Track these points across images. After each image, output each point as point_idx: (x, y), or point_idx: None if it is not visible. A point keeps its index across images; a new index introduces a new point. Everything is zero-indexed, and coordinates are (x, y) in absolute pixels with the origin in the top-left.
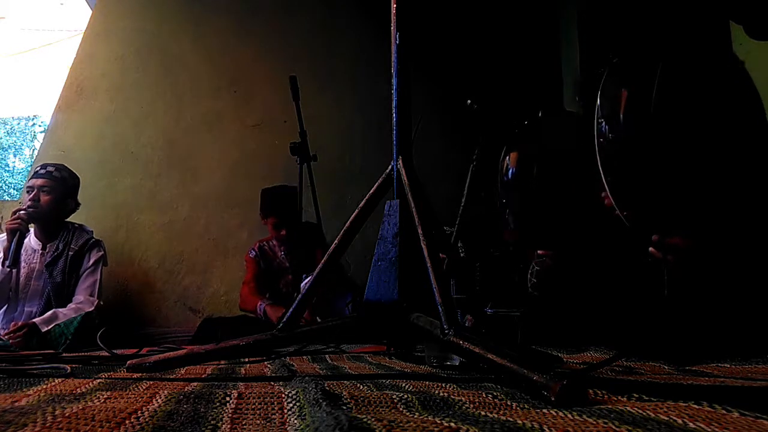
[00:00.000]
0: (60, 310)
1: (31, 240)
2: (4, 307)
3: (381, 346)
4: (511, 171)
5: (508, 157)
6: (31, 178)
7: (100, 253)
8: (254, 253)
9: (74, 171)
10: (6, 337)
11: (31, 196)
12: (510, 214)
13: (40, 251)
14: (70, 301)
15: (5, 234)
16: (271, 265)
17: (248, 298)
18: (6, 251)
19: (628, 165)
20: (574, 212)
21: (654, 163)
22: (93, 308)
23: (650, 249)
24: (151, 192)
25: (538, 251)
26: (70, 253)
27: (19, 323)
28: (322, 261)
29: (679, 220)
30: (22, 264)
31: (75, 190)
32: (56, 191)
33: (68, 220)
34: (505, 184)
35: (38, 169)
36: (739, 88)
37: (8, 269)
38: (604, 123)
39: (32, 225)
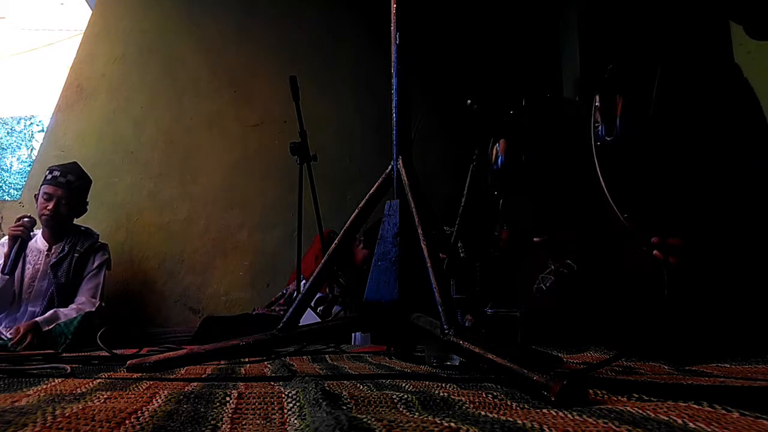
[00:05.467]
0: (61, 309)
1: (38, 241)
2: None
3: (381, 346)
4: (500, 159)
5: (497, 145)
6: (50, 184)
7: (105, 257)
8: (323, 242)
9: (85, 171)
10: (12, 345)
11: (51, 205)
12: (502, 203)
13: (46, 252)
14: (73, 302)
15: (6, 239)
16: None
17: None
18: (6, 257)
19: (626, 167)
20: (568, 199)
21: (653, 165)
22: (94, 309)
23: (654, 252)
24: (151, 192)
25: (551, 264)
26: (76, 255)
27: (22, 329)
28: (322, 261)
29: (679, 222)
30: (27, 265)
31: (88, 193)
32: (75, 202)
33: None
34: (494, 173)
35: (57, 174)
36: (737, 90)
37: (6, 275)
38: (601, 126)
39: (39, 228)
